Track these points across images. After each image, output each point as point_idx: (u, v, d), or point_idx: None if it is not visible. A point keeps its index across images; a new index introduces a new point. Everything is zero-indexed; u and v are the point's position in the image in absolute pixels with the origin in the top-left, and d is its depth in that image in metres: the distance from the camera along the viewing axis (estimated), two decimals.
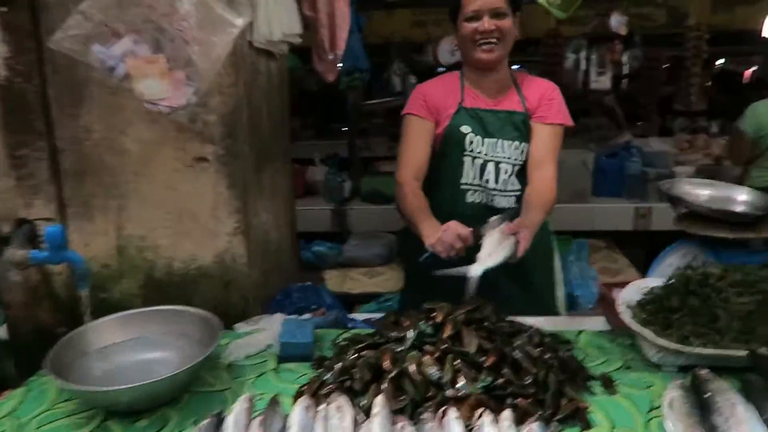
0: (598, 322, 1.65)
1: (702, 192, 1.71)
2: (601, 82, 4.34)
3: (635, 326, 1.31)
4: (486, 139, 1.77)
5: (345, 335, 1.46)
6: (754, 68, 10.69)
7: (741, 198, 1.66)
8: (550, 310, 1.87)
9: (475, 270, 1.43)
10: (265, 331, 1.47)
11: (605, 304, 1.70)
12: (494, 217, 1.57)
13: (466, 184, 1.80)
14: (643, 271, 3.09)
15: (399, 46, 8.05)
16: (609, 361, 1.35)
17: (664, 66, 4.84)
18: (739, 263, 1.55)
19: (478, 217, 1.70)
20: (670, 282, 1.39)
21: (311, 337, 1.39)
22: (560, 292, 1.92)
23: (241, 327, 1.53)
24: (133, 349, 1.35)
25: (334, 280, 2.74)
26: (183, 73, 1.42)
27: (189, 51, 1.40)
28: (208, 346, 1.25)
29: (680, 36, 7.32)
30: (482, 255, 1.46)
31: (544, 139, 1.77)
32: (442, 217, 1.64)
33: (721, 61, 9.80)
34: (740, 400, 1.04)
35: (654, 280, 1.52)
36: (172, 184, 1.53)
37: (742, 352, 1.18)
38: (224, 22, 1.40)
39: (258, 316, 1.57)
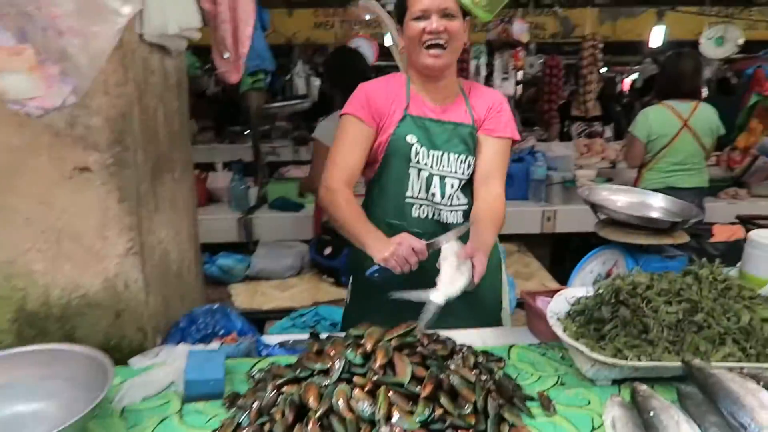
0: (525, 335, 1.61)
1: (619, 198, 1.72)
2: (505, 87, 4.43)
3: (569, 340, 1.27)
4: (432, 151, 1.65)
5: (261, 365, 1.30)
6: (634, 77, 11.55)
7: (657, 204, 1.68)
8: (496, 324, 1.80)
9: (437, 297, 1.32)
10: (167, 365, 1.28)
11: (530, 315, 1.66)
12: (448, 233, 1.46)
13: (411, 197, 1.67)
14: (554, 273, 3.17)
15: (301, 48, 7.88)
16: (543, 377, 1.30)
17: (562, 73, 5.02)
18: (658, 269, 1.57)
19: (426, 231, 1.61)
20: (599, 292, 1.36)
21: (222, 371, 1.22)
22: (506, 304, 1.86)
23: (137, 362, 1.33)
24: (0, 401, 1.12)
25: (243, 296, 2.54)
26: (57, 67, 1.20)
27: (64, 42, 1.19)
28: (97, 391, 1.04)
29: (573, 45, 7.75)
30: (442, 281, 1.36)
31: (492, 153, 1.68)
32: (386, 231, 1.53)
33: (603, 69, 10.51)
34: (684, 418, 1.00)
35: (579, 290, 1.49)
36: (47, 199, 1.30)
37: (677, 363, 1.16)
38: (108, 11, 1.20)
39: (158, 347, 1.37)
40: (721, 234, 2.55)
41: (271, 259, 2.73)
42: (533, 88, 8.82)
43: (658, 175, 3.32)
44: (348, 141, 1.65)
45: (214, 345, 1.41)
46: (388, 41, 4.41)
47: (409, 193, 1.67)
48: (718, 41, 3.91)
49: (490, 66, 6.59)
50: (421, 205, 1.68)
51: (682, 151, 3.28)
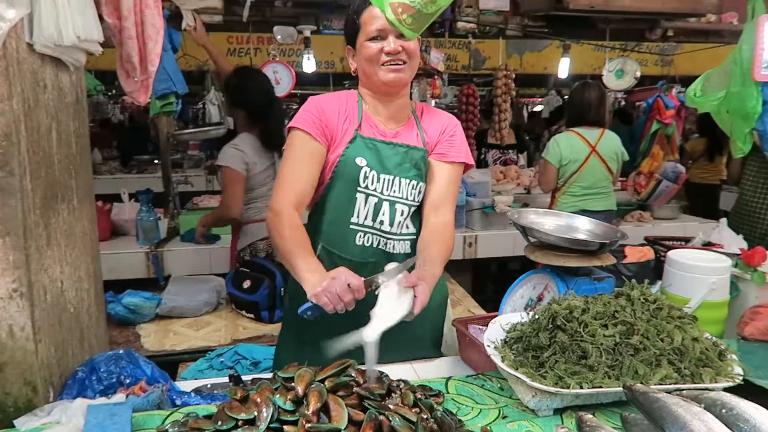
0: (459, 365, 1.55)
1: (546, 221, 1.71)
2: None
3: (509, 371, 1.21)
4: (383, 175, 1.55)
5: (175, 418, 1.15)
6: (539, 108, 12.18)
7: (583, 227, 1.68)
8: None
9: (371, 336, 1.19)
10: (61, 425, 1.10)
11: (463, 344, 1.60)
12: (390, 266, 1.36)
13: (356, 224, 1.57)
14: (476, 299, 3.17)
15: (215, 74, 7.64)
16: (483, 411, 1.23)
17: (478, 101, 5.16)
18: (587, 291, 1.57)
19: (369, 262, 1.52)
20: (536, 317, 1.32)
21: (128, 427, 1.06)
22: (449, 337, 1.78)
23: (25, 422, 1.14)
24: None
25: (153, 337, 2.33)
26: None
27: None
28: None
29: (482, 76, 8.05)
30: (377, 312, 1.24)
31: (444, 179, 1.60)
32: (329, 261, 1.44)
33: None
34: None
35: (514, 316, 1.46)
36: None
37: (619, 389, 1.13)
38: None
39: (50, 404, 1.19)
40: (633, 255, 2.63)
41: (184, 296, 2.53)
42: None
43: (572, 199, 3.45)
44: (298, 159, 1.52)
45: (119, 397, 1.24)
46: (307, 67, 4.34)
47: (354, 219, 1.56)
48: (618, 74, 4.16)
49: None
50: (366, 233, 1.58)
51: (591, 175, 3.44)
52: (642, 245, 2.90)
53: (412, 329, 1.45)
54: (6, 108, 1.12)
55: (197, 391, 1.43)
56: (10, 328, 1.15)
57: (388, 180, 1.57)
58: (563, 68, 4.75)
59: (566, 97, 9.18)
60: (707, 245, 2.53)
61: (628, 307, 1.29)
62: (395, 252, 1.62)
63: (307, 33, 3.92)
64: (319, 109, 1.56)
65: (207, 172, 6.63)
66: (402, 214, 1.60)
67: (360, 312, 1.29)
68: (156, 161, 7.25)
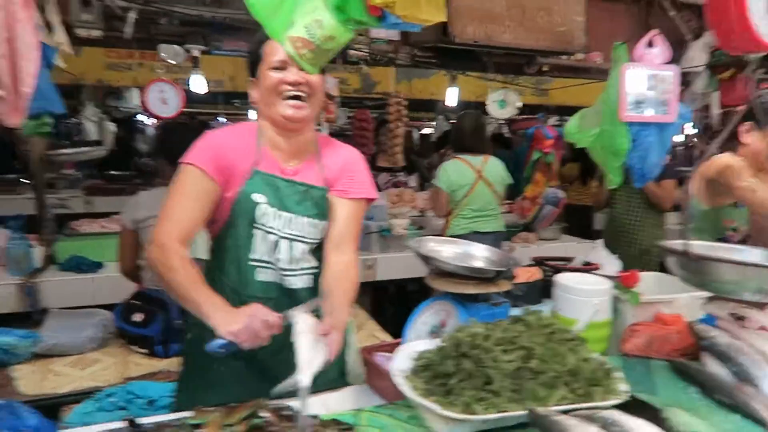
0: (367, 395, 1.57)
1: (445, 249, 1.79)
2: None
3: (420, 400, 1.25)
4: (281, 212, 1.53)
5: None
6: (428, 131, 12.65)
7: (480, 254, 1.78)
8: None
9: (304, 380, 1.20)
10: None
11: (370, 372, 1.62)
12: (300, 306, 1.35)
13: (255, 260, 1.54)
14: (377, 320, 3.21)
15: (92, 90, 7.17)
16: None
17: (372, 126, 5.27)
18: (486, 317, 1.65)
19: (269, 297, 1.50)
20: (442, 345, 1.37)
21: None
22: (352, 365, 1.77)
23: None
24: None
25: (29, 379, 2.11)
26: None
27: None
28: None
29: (373, 99, 8.24)
30: (303, 361, 1.24)
31: (346, 216, 1.58)
32: (228, 296, 1.39)
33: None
34: None
35: (420, 343, 1.50)
36: None
37: (523, 412, 1.20)
38: None
39: None
40: (522, 275, 2.79)
41: (66, 332, 2.34)
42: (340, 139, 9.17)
43: (463, 222, 3.64)
44: (186, 194, 1.47)
45: None
46: (196, 87, 4.21)
47: (252, 255, 1.54)
48: (501, 104, 4.45)
49: None
50: (265, 269, 1.55)
51: (480, 198, 3.66)
52: (530, 266, 3.11)
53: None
54: None
55: None
56: None
57: (287, 218, 1.56)
58: (451, 97, 5.01)
59: (453, 121, 9.64)
60: (586, 264, 2.76)
61: (526, 332, 1.38)
62: (294, 287, 1.60)
63: (196, 53, 3.81)
64: (215, 145, 1.52)
65: (85, 193, 6.20)
66: (302, 252, 1.59)
67: (271, 347, 1.30)
68: (22, 180, 6.64)
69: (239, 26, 3.51)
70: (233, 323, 1.27)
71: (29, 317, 2.78)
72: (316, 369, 1.25)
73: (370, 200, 1.68)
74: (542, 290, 2.73)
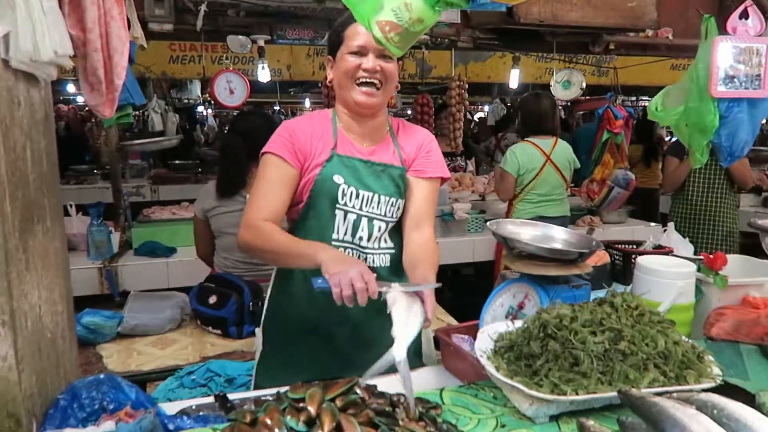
0: (445, 375, 1.57)
1: (523, 231, 1.76)
2: None
3: (505, 379, 1.24)
4: (361, 191, 1.57)
5: None
6: (481, 115, 12.48)
7: (559, 237, 1.74)
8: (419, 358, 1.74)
9: (399, 352, 1.20)
10: None
11: (447, 353, 1.62)
12: (394, 284, 1.34)
13: (337, 240, 1.59)
14: (443, 303, 3.20)
15: (157, 82, 7.43)
16: (482, 420, 1.25)
17: (433, 111, 5.23)
18: (567, 298, 1.62)
19: None
20: (526, 326, 1.36)
21: None
22: (426, 344, 1.79)
23: None
24: None
25: (116, 358, 2.23)
26: None
27: None
28: None
29: (428, 84, 8.19)
30: (398, 327, 1.24)
31: (423, 195, 1.63)
32: (311, 275, 1.40)
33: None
34: None
35: (500, 325, 1.49)
36: None
37: (612, 393, 1.18)
38: None
39: None
40: (591, 259, 2.73)
41: (147, 313, 2.44)
42: None
43: (528, 206, 3.57)
44: (271, 182, 1.54)
45: (108, 425, 1.19)
46: (261, 77, 4.28)
47: (335, 236, 1.58)
48: (565, 84, 4.33)
49: None
50: (346, 248, 1.59)
51: (547, 183, 3.56)
52: None
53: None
54: None
55: (184, 413, 1.38)
56: None
57: (367, 196, 1.59)
58: (513, 79, 4.91)
59: (509, 104, 9.46)
60: (657, 248, 2.67)
61: (613, 314, 1.34)
62: (375, 265, 1.63)
63: (261, 42, 3.87)
64: (291, 132, 1.58)
65: (152, 182, 6.44)
66: (380, 230, 1.62)
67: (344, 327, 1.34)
68: (95, 171, 6.96)
69: (303, 15, 3.54)
70: (336, 265, 1.30)
71: (111, 299, 2.92)
72: (412, 336, 1.24)
73: (444, 179, 1.71)
74: (610, 274, 2.67)
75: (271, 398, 1.12)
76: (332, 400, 1.04)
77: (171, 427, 1.25)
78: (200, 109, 11.12)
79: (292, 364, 1.65)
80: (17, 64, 1.18)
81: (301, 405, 1.02)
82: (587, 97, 5.89)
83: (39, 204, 1.32)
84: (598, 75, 7.49)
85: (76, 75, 1.70)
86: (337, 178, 1.56)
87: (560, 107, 8.60)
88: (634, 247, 2.85)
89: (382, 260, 1.64)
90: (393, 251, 1.66)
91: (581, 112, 6.59)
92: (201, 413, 1.41)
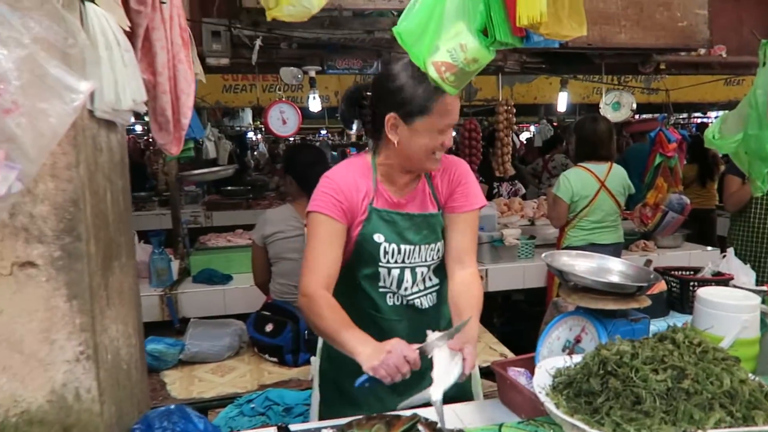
0: (500, 410, 1.57)
1: (578, 263, 1.75)
2: None
3: (564, 417, 1.24)
4: (402, 246, 1.61)
5: None
6: (527, 135, 12.38)
7: (616, 269, 1.72)
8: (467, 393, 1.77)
9: (437, 393, 1.27)
10: None
11: (503, 387, 1.62)
12: (435, 334, 1.41)
13: (384, 287, 1.65)
14: (493, 329, 3.19)
15: (211, 111, 7.72)
16: None
17: (480, 136, 5.25)
18: (625, 333, 1.60)
19: (401, 317, 1.61)
20: (585, 362, 1.35)
21: None
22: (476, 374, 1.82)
23: None
24: None
25: (179, 385, 2.31)
26: (1, 151, 1.05)
27: (10, 122, 1.05)
28: None
29: (473, 107, 8.20)
30: (437, 374, 1.31)
31: (463, 230, 1.64)
32: (363, 320, 1.48)
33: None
34: None
35: (557, 359, 1.48)
36: None
37: None
38: (62, 86, 1.08)
39: None
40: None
41: (207, 341, 2.52)
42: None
43: (581, 233, 3.49)
44: (323, 242, 1.55)
45: None
46: (313, 107, 4.41)
47: (381, 284, 1.64)
48: (615, 106, 4.28)
49: None
50: (395, 294, 1.65)
51: (600, 209, 3.49)
52: None
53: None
54: (74, 175, 1.15)
55: None
56: (77, 390, 1.16)
57: (408, 249, 1.63)
58: (562, 102, 4.88)
59: (556, 125, 9.37)
60: (717, 275, 2.59)
61: (675, 351, 1.32)
62: (423, 307, 1.68)
63: (312, 73, 3.99)
64: (336, 189, 1.58)
65: (206, 208, 6.65)
66: (422, 274, 1.67)
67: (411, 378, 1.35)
68: (154, 198, 7.24)
69: (352, 45, 3.64)
70: (374, 359, 1.33)
71: (170, 325, 3.03)
72: (448, 385, 1.30)
73: (481, 207, 1.71)
74: (667, 303, 2.60)
75: (333, 431, 1.16)
76: None
77: None
78: (251, 134, 11.48)
79: (349, 396, 1.69)
80: (101, 114, 1.28)
81: None
82: (639, 117, 5.78)
83: (116, 242, 1.41)
84: (648, 93, 7.36)
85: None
86: (378, 237, 1.59)
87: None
88: (692, 273, 2.78)
89: (429, 300, 1.69)
90: (438, 287, 1.70)
91: (633, 133, 6.46)
92: None
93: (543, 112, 9.33)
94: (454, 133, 6.48)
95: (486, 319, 4.14)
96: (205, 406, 2.22)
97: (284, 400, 2.09)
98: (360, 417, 1.16)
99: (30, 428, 1.14)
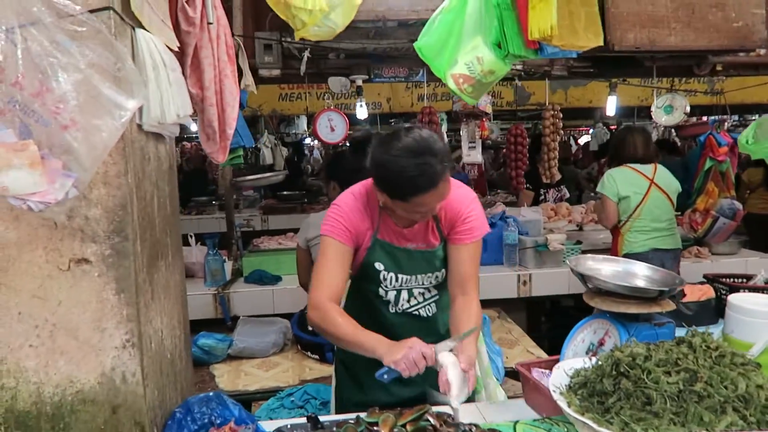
0: (523, 408, 1.61)
1: (603, 267, 1.77)
2: (473, 156, 4.59)
3: (576, 415, 1.28)
4: (400, 275, 1.75)
5: None
6: (585, 139, 12.11)
7: (641, 273, 1.74)
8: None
9: (456, 403, 1.41)
10: None
11: (527, 388, 1.67)
12: (448, 341, 1.54)
13: (384, 301, 1.80)
14: (532, 336, 3.19)
15: (267, 119, 8.01)
16: None
17: (527, 141, 5.24)
18: (648, 337, 1.62)
19: (403, 324, 1.76)
20: (599, 364, 1.39)
21: None
22: (486, 371, 1.92)
23: None
24: None
25: (227, 377, 2.47)
26: (59, 162, 1.20)
27: (68, 137, 1.20)
28: None
29: (526, 111, 8.13)
30: (455, 388, 1.43)
31: (465, 259, 1.72)
32: (369, 326, 1.61)
33: None
34: None
35: (577, 361, 1.52)
36: (41, 293, 1.26)
37: None
38: (112, 105, 1.22)
39: None
40: (693, 294, 2.62)
41: (254, 337, 2.67)
42: (492, 151, 9.19)
43: (641, 237, 3.39)
44: (331, 263, 1.70)
45: None
46: (360, 114, 4.54)
47: (384, 298, 1.79)
48: (667, 109, 4.17)
49: (450, 133, 6.80)
50: (395, 306, 1.80)
51: (656, 207, 3.37)
52: (701, 283, 2.90)
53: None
54: (123, 183, 1.29)
55: (279, 430, 1.54)
56: (123, 374, 1.30)
57: (406, 279, 1.76)
58: (611, 106, 4.80)
59: (614, 128, 9.15)
60: None
61: (690, 355, 1.34)
62: (422, 315, 1.82)
63: (359, 82, 4.11)
64: (345, 217, 1.70)
65: (262, 212, 6.91)
66: (420, 294, 1.80)
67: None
68: (214, 202, 7.57)
69: (398, 54, 3.73)
70: (395, 354, 1.45)
71: (222, 323, 3.21)
72: (465, 397, 1.44)
73: (484, 234, 1.76)
74: (716, 310, 2.55)
75: (351, 422, 1.24)
76: (404, 425, 1.14)
77: None
78: (307, 140, 11.78)
79: (359, 384, 1.84)
80: (148, 127, 1.43)
81: (375, 429, 1.13)
82: (691, 123, 5.58)
83: (163, 242, 1.55)
84: (710, 95, 7.09)
85: None
86: (378, 265, 1.74)
87: (669, 129, 8.18)
88: (744, 281, 2.70)
89: (427, 311, 1.82)
90: (437, 298, 1.83)
91: (690, 136, 6.26)
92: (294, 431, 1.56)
93: (599, 115, 9.13)
94: (497, 132, 6.46)
95: (533, 324, 4.13)
96: (249, 398, 2.36)
97: (321, 395, 2.20)
98: (373, 409, 1.24)
99: (83, 406, 1.29)
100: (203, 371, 2.52)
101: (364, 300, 1.83)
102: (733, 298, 1.72)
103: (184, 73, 1.83)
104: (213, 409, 1.51)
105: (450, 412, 1.41)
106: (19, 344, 1.26)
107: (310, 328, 2.66)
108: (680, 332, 1.59)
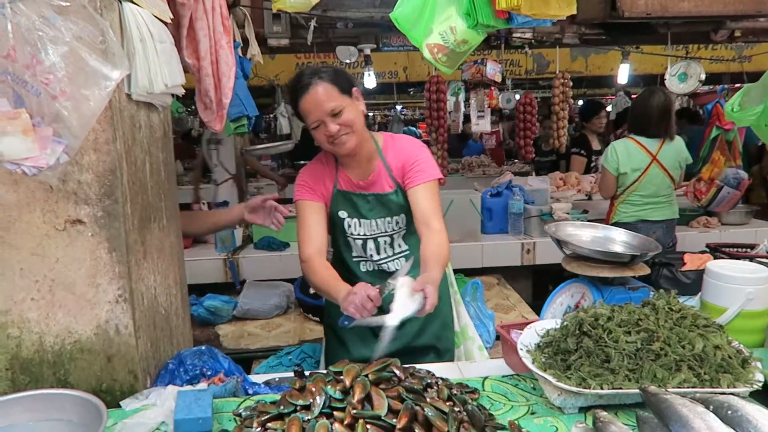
0: (501, 367, 1.69)
1: (583, 233, 1.82)
2: (482, 125, 4.59)
3: (538, 371, 1.34)
4: (362, 220, 1.87)
5: (247, 404, 1.36)
6: (608, 108, 11.87)
7: (619, 239, 1.78)
8: (449, 346, 2.00)
9: (391, 319, 1.45)
10: (157, 406, 1.34)
11: (505, 348, 1.74)
12: (396, 275, 1.60)
13: (356, 257, 1.93)
14: (533, 304, 3.25)
15: (284, 89, 8.05)
16: (514, 407, 1.37)
17: (536, 110, 5.19)
18: (622, 300, 1.67)
19: (375, 282, 1.77)
20: (564, 324, 1.45)
21: (209, 410, 1.28)
22: (463, 328, 2.03)
23: (129, 404, 1.39)
24: None
25: (231, 336, 2.60)
26: (50, 129, 1.29)
27: (57, 106, 1.28)
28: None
29: (542, 80, 8.01)
30: (396, 306, 1.48)
31: (423, 198, 1.81)
32: (349, 281, 1.71)
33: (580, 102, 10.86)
34: None
35: (548, 322, 1.58)
36: (40, 251, 1.37)
37: (635, 390, 1.24)
38: (98, 75, 1.30)
39: (148, 389, 1.43)
40: (692, 262, 2.64)
41: (258, 300, 2.79)
42: (511, 123, 9.12)
43: (631, 209, 3.43)
44: (307, 221, 1.84)
45: (202, 385, 1.47)
46: (368, 83, 4.56)
47: (354, 254, 1.92)
48: (681, 77, 4.10)
49: (467, 104, 6.77)
50: (366, 261, 1.92)
51: (652, 184, 3.38)
52: (702, 252, 2.92)
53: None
54: (111, 149, 1.37)
55: (267, 383, 1.65)
56: (117, 326, 1.40)
57: (367, 223, 1.87)
58: (623, 74, 4.73)
59: (635, 96, 8.97)
60: None
61: (651, 316, 1.39)
62: (390, 270, 1.92)
63: (367, 51, 4.13)
64: (306, 179, 1.89)
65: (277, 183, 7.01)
66: (385, 243, 1.91)
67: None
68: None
69: None
70: (347, 300, 1.56)
71: (232, 286, 3.34)
72: (407, 314, 1.46)
73: (439, 179, 1.86)
74: None
75: (323, 373, 1.33)
76: (368, 375, 1.23)
77: (250, 391, 1.51)
78: None
79: (341, 339, 1.98)
80: (137, 97, 1.50)
81: (340, 378, 1.21)
82: (705, 90, 5.44)
83: (156, 206, 1.64)
84: (738, 61, 6.87)
85: None
86: (342, 213, 1.87)
87: (688, 98, 7.99)
88: (747, 251, 2.71)
89: (397, 265, 1.92)
90: (407, 252, 1.93)
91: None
92: (281, 384, 1.67)
93: (618, 84, 8.94)
94: (515, 102, 6.45)
95: (538, 291, 4.18)
96: (251, 356, 2.48)
97: (317, 354, 2.30)
98: (343, 360, 1.32)
99: (81, 355, 1.40)
100: (209, 331, 2.66)
101: (341, 265, 1.94)
102: (711, 265, 1.75)
103: (179, 45, 1.90)
104: (204, 362, 1.62)
105: (428, 368, 1.48)
106: (21, 297, 1.37)
107: (311, 291, 2.77)
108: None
